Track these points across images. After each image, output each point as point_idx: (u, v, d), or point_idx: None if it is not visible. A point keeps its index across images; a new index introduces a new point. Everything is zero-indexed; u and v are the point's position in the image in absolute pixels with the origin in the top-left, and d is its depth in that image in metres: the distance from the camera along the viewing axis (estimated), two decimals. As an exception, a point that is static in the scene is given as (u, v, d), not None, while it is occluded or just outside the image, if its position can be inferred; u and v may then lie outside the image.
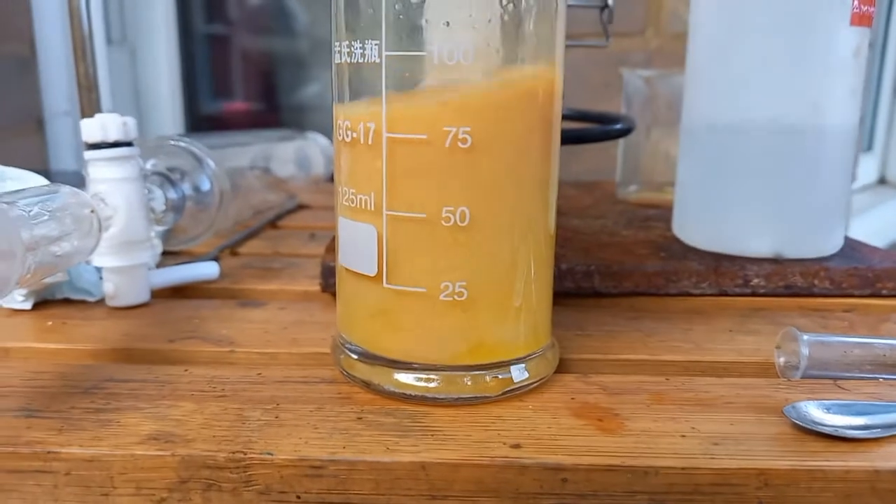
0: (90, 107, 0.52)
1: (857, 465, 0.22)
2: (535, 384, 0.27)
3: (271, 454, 0.22)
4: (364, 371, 0.26)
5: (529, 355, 0.27)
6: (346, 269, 0.27)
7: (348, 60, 0.25)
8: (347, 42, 0.25)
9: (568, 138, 0.45)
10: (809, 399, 0.25)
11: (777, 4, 0.37)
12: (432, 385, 0.25)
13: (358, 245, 0.26)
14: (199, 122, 1.10)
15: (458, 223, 0.24)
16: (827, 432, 0.23)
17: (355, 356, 0.27)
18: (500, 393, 0.26)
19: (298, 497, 0.22)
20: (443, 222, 0.24)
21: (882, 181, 1.78)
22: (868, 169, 1.71)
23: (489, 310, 0.25)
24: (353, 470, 0.22)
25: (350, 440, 0.23)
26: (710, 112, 0.40)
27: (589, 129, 0.45)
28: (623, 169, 0.58)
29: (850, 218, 1.28)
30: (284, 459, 0.22)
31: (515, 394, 0.26)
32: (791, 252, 0.39)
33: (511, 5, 0.23)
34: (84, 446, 0.22)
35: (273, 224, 0.54)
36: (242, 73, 1.22)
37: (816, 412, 0.24)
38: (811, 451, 0.23)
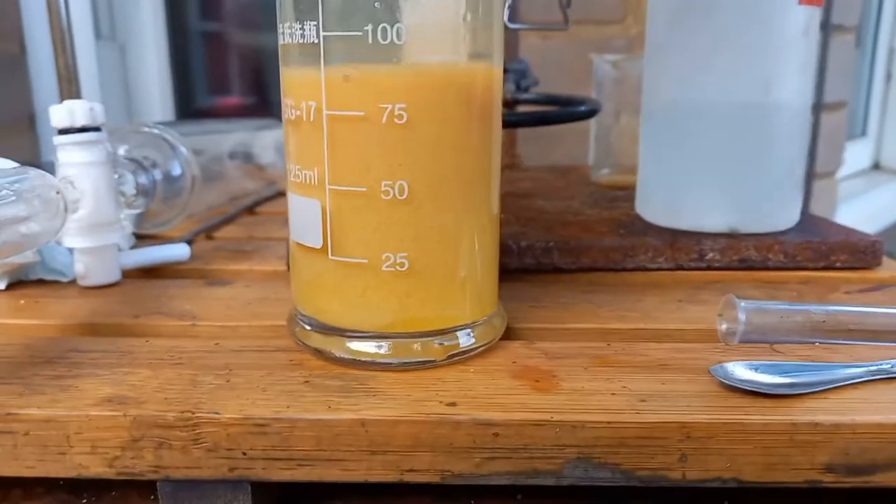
0: (70, 98, 0.53)
1: (776, 419, 0.23)
2: (481, 349, 0.28)
3: (218, 413, 0.23)
4: (316, 339, 0.28)
5: (474, 323, 0.28)
6: (297, 244, 0.28)
7: (290, 41, 0.26)
8: (289, 23, 0.26)
9: (531, 120, 0.46)
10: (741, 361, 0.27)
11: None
12: (381, 351, 0.27)
13: (305, 219, 0.27)
14: (190, 117, 1.11)
15: (398, 196, 0.25)
16: (749, 388, 0.25)
17: (309, 327, 0.28)
18: (444, 357, 0.27)
19: (244, 454, 0.23)
20: (382, 195, 0.25)
21: (876, 166, 1.78)
22: (862, 154, 1.72)
23: (431, 280, 0.26)
24: (294, 427, 0.23)
25: (295, 400, 0.24)
26: (666, 92, 0.41)
27: (552, 111, 0.46)
28: (596, 152, 0.59)
29: (843, 203, 1.29)
30: (230, 418, 0.23)
31: (461, 358, 0.27)
32: (746, 227, 0.40)
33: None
34: (42, 408, 0.24)
35: (251, 210, 0.55)
36: (233, 68, 1.22)
37: (742, 371, 0.26)
38: (733, 407, 0.24)
